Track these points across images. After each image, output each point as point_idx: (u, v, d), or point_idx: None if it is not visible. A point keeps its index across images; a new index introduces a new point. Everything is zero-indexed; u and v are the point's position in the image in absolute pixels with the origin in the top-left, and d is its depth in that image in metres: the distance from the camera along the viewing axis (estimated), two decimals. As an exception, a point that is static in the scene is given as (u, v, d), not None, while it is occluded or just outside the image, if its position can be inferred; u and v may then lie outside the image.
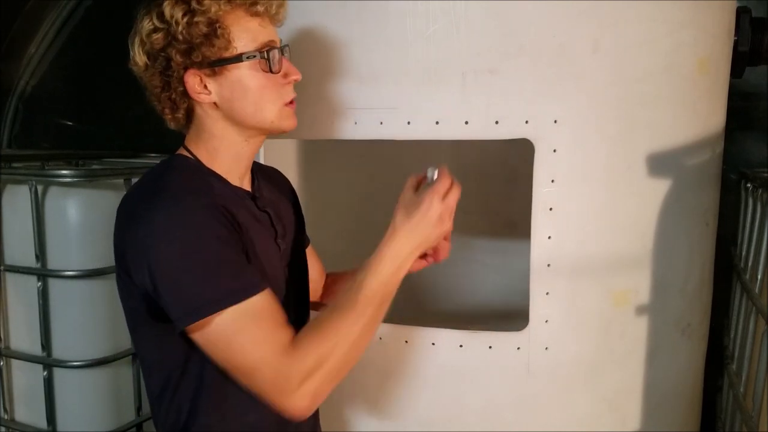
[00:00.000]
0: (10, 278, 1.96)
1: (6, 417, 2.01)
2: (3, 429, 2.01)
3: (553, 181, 1.32)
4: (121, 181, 1.89)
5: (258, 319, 0.92)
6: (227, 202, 1.00)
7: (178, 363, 1.03)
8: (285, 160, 1.72)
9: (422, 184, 1.08)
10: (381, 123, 1.36)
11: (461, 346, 1.40)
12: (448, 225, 1.05)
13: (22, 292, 1.92)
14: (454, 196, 1.05)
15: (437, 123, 1.33)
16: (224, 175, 1.07)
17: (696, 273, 1.57)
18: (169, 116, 1.05)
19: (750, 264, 1.67)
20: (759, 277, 1.56)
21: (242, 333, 0.91)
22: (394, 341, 1.45)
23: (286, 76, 1.04)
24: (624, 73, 1.33)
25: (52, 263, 1.86)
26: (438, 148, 2.39)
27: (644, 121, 1.36)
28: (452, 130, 1.33)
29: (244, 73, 1.00)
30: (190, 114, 1.05)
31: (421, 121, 1.34)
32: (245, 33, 1.00)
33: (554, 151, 1.31)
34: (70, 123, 3.22)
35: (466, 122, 1.32)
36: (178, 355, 1.02)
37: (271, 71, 1.01)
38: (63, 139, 3.21)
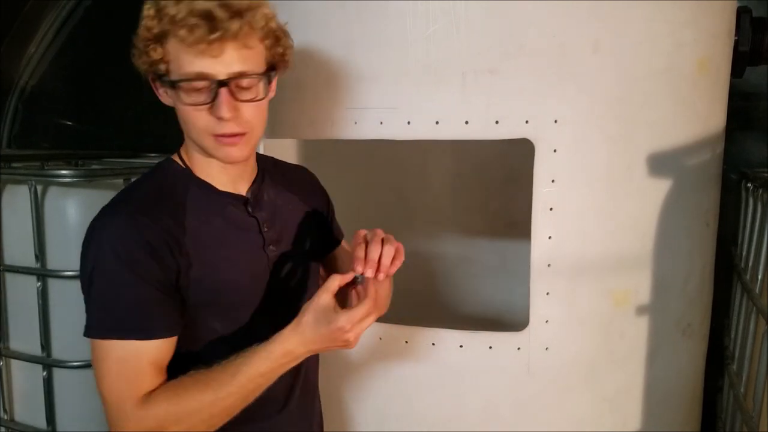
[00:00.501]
0: (10, 278, 1.95)
1: (6, 417, 2.01)
2: (3, 429, 2.01)
3: (553, 181, 1.32)
4: (121, 181, 1.89)
5: (123, 361, 0.95)
6: (189, 216, 1.01)
7: None
8: (285, 160, 1.72)
9: (350, 287, 1.04)
10: (381, 123, 1.36)
11: (461, 346, 1.40)
12: (352, 345, 0.99)
13: (21, 292, 1.92)
14: (370, 320, 0.98)
15: (437, 123, 1.33)
16: (209, 180, 1.06)
17: (696, 273, 1.57)
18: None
19: (750, 264, 1.67)
20: (759, 277, 1.56)
21: (105, 364, 0.96)
22: (394, 341, 1.45)
23: (215, 109, 0.96)
24: (624, 73, 1.32)
25: (52, 263, 1.86)
26: (438, 148, 2.40)
27: (644, 121, 1.36)
28: (452, 130, 1.33)
29: (171, 94, 0.98)
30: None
31: (421, 121, 1.34)
32: (176, 58, 0.94)
33: (554, 151, 1.31)
34: (70, 123, 3.22)
35: (466, 122, 1.32)
36: None
37: (183, 102, 0.96)
38: (63, 139, 3.21)
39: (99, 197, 1.86)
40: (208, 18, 0.90)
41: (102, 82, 3.03)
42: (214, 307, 1.04)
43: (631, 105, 1.34)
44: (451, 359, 1.42)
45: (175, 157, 1.09)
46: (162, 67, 0.96)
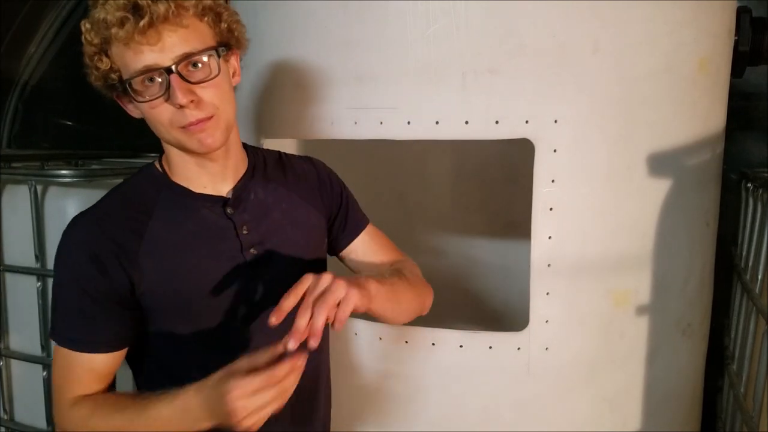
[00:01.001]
0: (10, 278, 1.95)
1: (6, 417, 2.01)
2: (3, 429, 2.01)
3: (553, 181, 1.32)
4: (121, 181, 1.89)
5: (65, 366, 1.02)
6: (153, 223, 1.01)
7: (139, 360, 1.09)
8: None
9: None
10: (381, 123, 1.36)
11: (461, 346, 1.40)
12: (240, 423, 0.85)
13: (21, 292, 1.92)
14: (263, 399, 0.85)
15: (437, 123, 1.33)
16: (187, 183, 1.04)
17: (696, 273, 1.57)
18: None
19: (750, 264, 1.67)
20: (759, 277, 1.56)
21: (55, 364, 1.03)
22: (394, 341, 1.45)
23: (171, 99, 0.94)
24: (624, 73, 1.32)
25: (52, 263, 1.86)
26: (438, 148, 2.40)
27: (644, 121, 1.36)
28: (452, 130, 1.33)
29: (128, 97, 0.97)
30: None
31: (421, 121, 1.34)
32: (121, 61, 0.94)
33: (554, 151, 1.31)
34: (70, 123, 3.22)
35: (466, 122, 1.32)
36: (137, 355, 1.08)
37: (138, 101, 0.95)
38: (63, 139, 3.21)
39: (99, 197, 1.86)
40: (135, 8, 0.89)
41: (102, 82, 3.02)
42: (177, 314, 1.02)
43: (631, 105, 1.34)
44: (451, 359, 1.42)
45: (156, 163, 1.08)
46: (113, 76, 0.96)
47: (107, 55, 0.94)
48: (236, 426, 0.86)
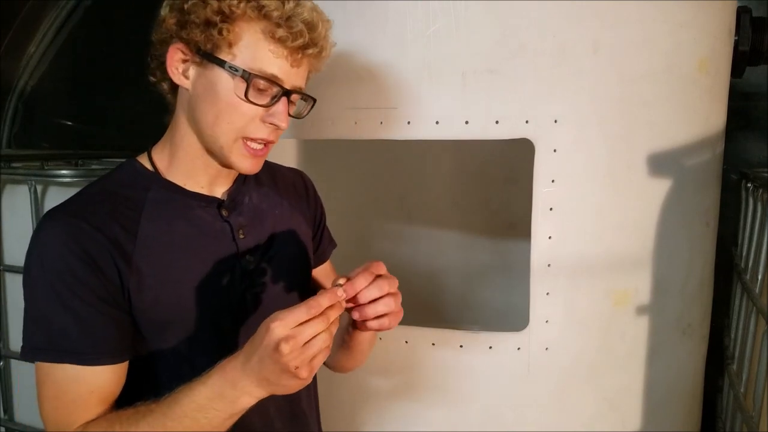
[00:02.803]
0: (10, 278, 1.95)
1: (6, 417, 2.01)
2: (3, 429, 2.01)
3: (553, 181, 1.32)
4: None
5: (61, 386, 0.87)
6: (144, 221, 0.92)
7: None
8: (285, 160, 1.72)
9: None
10: (381, 123, 1.36)
11: (461, 346, 1.40)
12: (293, 363, 0.76)
13: (21, 292, 1.92)
14: (312, 330, 0.77)
15: (437, 123, 1.33)
16: (179, 181, 0.97)
17: (696, 273, 1.57)
18: (156, 82, 0.98)
19: (750, 264, 1.67)
20: (759, 277, 1.56)
21: (44, 388, 0.88)
22: (394, 341, 1.45)
23: (269, 114, 0.91)
24: (624, 73, 1.32)
25: (52, 263, 1.86)
26: (438, 148, 2.40)
27: (644, 121, 1.36)
28: (452, 130, 1.33)
29: (225, 80, 0.89)
30: (172, 101, 0.98)
31: (421, 121, 1.34)
32: (249, 49, 0.88)
33: (554, 151, 1.31)
34: (70, 123, 3.22)
35: (466, 122, 1.32)
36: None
37: (246, 97, 0.88)
38: (63, 139, 3.21)
39: (99, 197, 1.86)
40: (311, 29, 0.89)
41: (102, 82, 3.03)
42: (175, 324, 0.94)
43: (631, 105, 1.34)
44: (451, 359, 1.42)
45: (141, 158, 0.99)
46: (224, 48, 0.88)
47: (234, 29, 0.87)
48: (286, 377, 0.78)
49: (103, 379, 0.88)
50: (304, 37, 0.88)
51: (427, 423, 1.47)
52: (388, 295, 0.88)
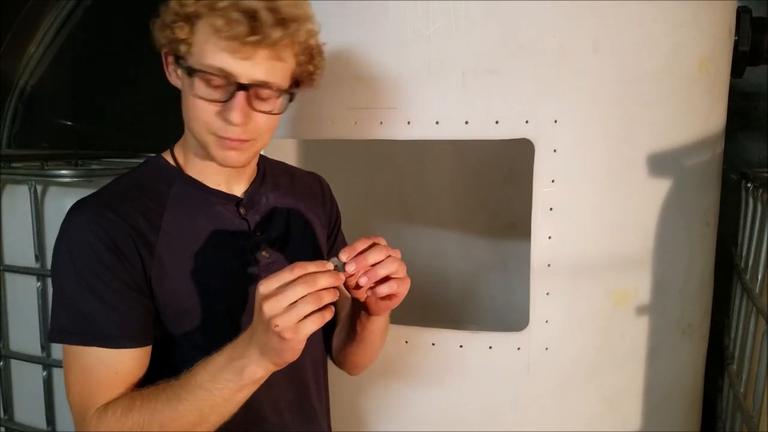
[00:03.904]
0: (10, 278, 1.95)
1: (5, 417, 2.01)
2: (3, 429, 2.01)
3: (553, 181, 1.32)
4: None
5: (88, 369, 0.90)
6: (168, 215, 0.96)
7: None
8: (285, 160, 1.72)
9: None
10: (381, 123, 1.36)
11: (461, 346, 1.40)
12: (275, 323, 0.77)
13: (21, 292, 1.92)
14: (297, 293, 0.77)
15: (437, 123, 1.33)
16: (201, 178, 1.01)
17: (696, 273, 1.57)
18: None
19: (750, 264, 1.67)
20: (759, 277, 1.56)
21: (72, 371, 0.92)
22: (394, 341, 1.45)
23: (225, 109, 0.89)
24: (624, 73, 1.32)
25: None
26: (438, 148, 2.40)
27: (644, 121, 1.36)
28: (452, 130, 1.33)
29: (185, 79, 0.90)
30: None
31: (421, 121, 1.34)
32: (199, 46, 0.88)
33: (554, 151, 1.31)
34: (70, 123, 3.22)
35: (466, 122, 1.32)
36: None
37: (195, 93, 0.89)
38: (63, 139, 3.21)
39: (99, 197, 1.86)
40: (252, 18, 0.84)
41: (102, 82, 3.03)
42: (193, 315, 0.97)
43: (631, 105, 1.34)
44: (451, 359, 1.42)
45: (165, 154, 1.04)
46: (183, 48, 0.89)
47: (190, 27, 0.88)
48: (274, 340, 0.78)
49: (127, 362, 0.91)
50: (243, 26, 0.83)
51: (427, 423, 1.47)
52: (391, 258, 0.88)
